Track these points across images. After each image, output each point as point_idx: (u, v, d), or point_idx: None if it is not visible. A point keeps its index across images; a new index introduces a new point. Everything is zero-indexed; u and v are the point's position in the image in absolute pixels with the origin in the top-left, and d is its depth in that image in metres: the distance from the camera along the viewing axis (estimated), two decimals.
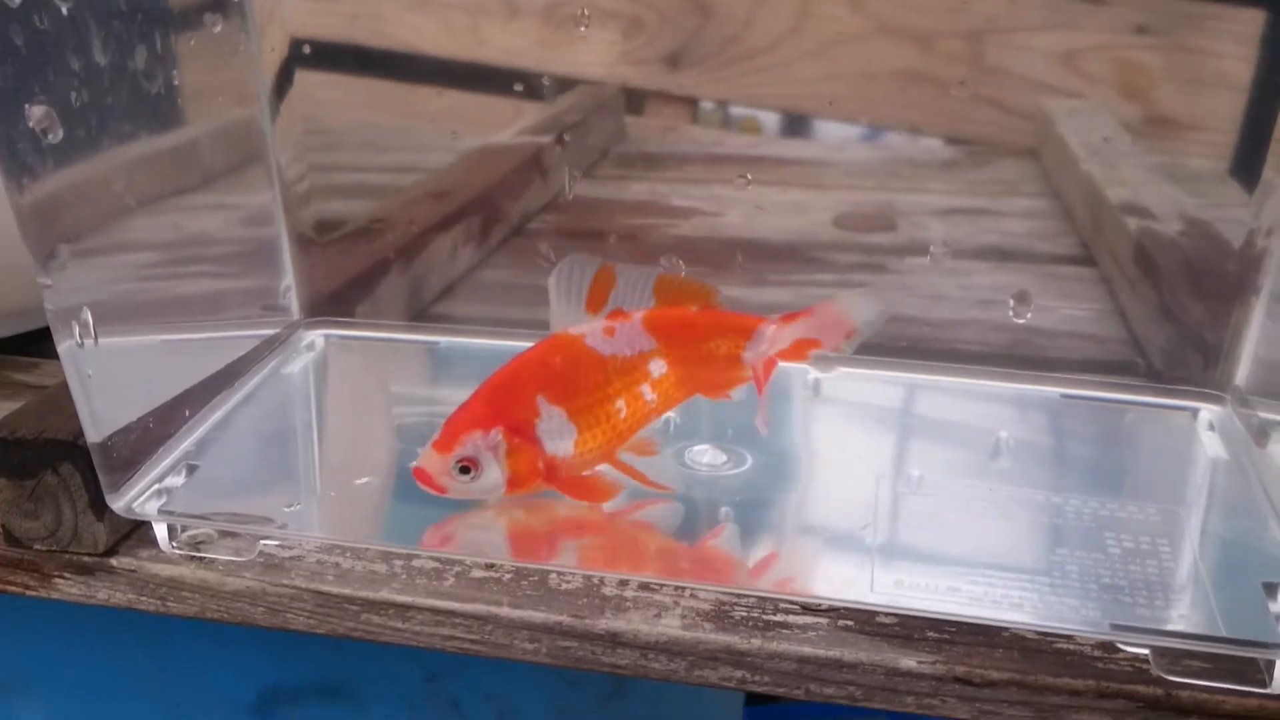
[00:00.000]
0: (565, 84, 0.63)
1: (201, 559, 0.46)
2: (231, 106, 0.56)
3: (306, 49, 0.58)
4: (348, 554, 0.47)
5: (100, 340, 0.44)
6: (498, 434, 0.45)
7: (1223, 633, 0.40)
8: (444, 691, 0.71)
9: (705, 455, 0.52)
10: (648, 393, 0.48)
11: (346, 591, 0.45)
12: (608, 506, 0.48)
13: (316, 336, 0.62)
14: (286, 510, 0.48)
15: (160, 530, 0.46)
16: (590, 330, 0.48)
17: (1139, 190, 0.61)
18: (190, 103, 0.51)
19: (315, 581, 0.45)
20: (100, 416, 0.44)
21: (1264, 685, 0.40)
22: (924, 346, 0.61)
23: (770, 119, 0.66)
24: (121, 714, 0.70)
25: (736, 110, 0.65)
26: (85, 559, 0.47)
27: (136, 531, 0.48)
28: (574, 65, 0.63)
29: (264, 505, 0.48)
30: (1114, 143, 0.61)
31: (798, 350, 0.50)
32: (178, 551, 0.47)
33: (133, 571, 0.46)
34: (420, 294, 0.66)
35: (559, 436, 0.47)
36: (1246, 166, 0.55)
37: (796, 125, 0.66)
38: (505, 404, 0.46)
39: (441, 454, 0.45)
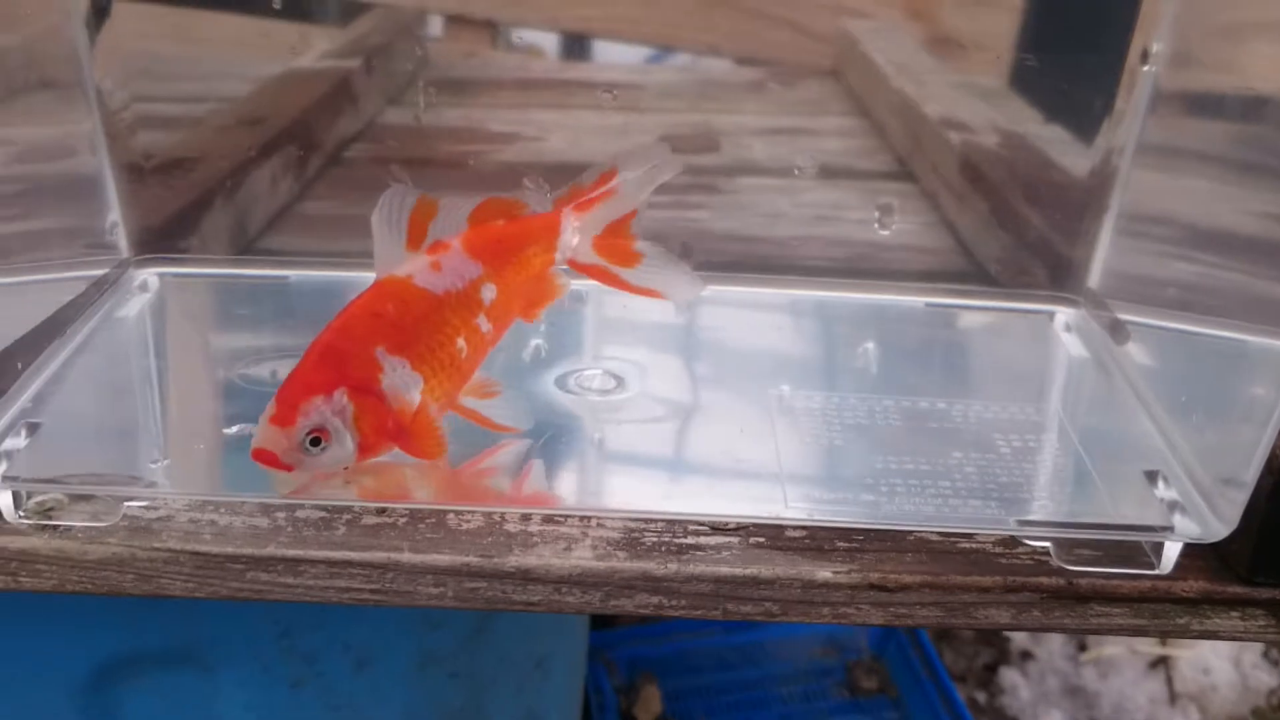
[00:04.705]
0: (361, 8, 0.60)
1: (55, 527, 0.42)
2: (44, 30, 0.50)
3: None
4: (222, 509, 0.43)
5: None
6: (342, 396, 0.41)
7: (1116, 521, 0.42)
8: (299, 646, 0.68)
9: (595, 380, 0.50)
10: (484, 324, 0.45)
11: (229, 550, 0.42)
12: (452, 461, 0.45)
13: (149, 275, 0.56)
14: (153, 466, 0.43)
15: (4, 499, 0.41)
16: (416, 269, 0.43)
17: (955, 107, 0.63)
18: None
19: (191, 542, 0.42)
20: None
21: (1152, 568, 0.42)
22: (770, 263, 0.62)
23: (573, 43, 0.65)
24: None
25: (521, 38, 0.63)
26: None
27: None
28: None
29: (125, 463, 0.43)
30: (919, 61, 0.63)
31: (619, 233, 0.47)
32: (26, 521, 0.42)
33: None
34: (245, 227, 0.62)
35: (405, 390, 0.42)
36: (1026, 83, 0.58)
37: (600, 50, 0.65)
38: (342, 362, 0.42)
39: (284, 428, 0.40)
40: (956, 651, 1.21)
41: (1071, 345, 0.55)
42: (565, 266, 0.47)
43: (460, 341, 0.44)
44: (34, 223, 0.49)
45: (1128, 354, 0.51)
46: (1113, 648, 1.18)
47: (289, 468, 0.40)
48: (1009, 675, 1.18)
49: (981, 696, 1.17)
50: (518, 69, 0.64)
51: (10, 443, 0.43)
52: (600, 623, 1.11)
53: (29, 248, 0.49)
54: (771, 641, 1.11)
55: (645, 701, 1.05)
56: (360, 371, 0.41)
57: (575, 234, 0.47)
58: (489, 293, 0.45)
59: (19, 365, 0.45)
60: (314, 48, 0.61)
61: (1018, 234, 0.60)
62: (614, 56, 0.65)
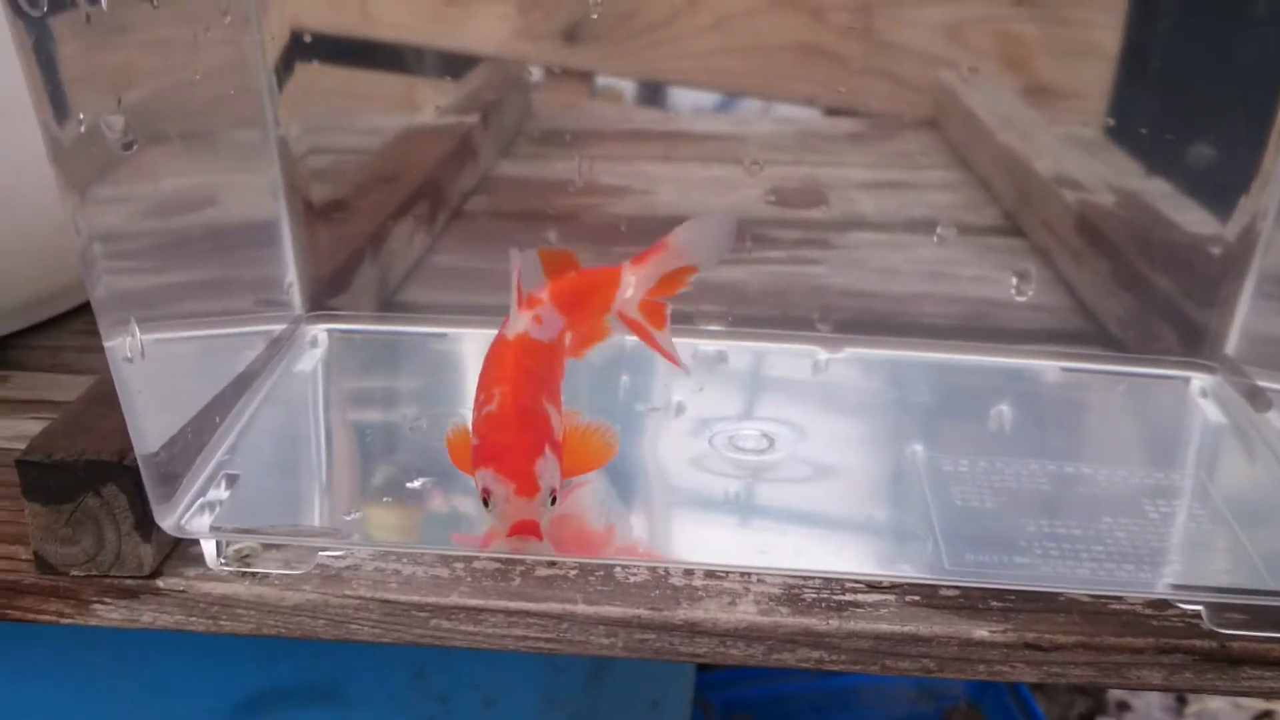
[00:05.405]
0: (467, 61, 0.62)
1: (254, 574, 0.45)
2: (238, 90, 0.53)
3: (307, 38, 0.56)
4: (405, 559, 0.46)
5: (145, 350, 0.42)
6: (550, 452, 0.44)
7: (1269, 585, 0.43)
8: (431, 686, 0.70)
9: (749, 440, 0.53)
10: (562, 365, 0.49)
11: (414, 599, 0.44)
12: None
13: (319, 331, 0.59)
14: (347, 519, 0.46)
15: (208, 547, 0.44)
16: (528, 325, 0.47)
17: (1070, 164, 0.64)
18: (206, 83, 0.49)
19: (380, 590, 0.44)
20: (149, 432, 0.42)
21: None
22: (887, 321, 0.63)
23: (675, 95, 0.66)
24: None
25: (601, 81, 0.65)
26: (129, 582, 0.44)
27: (176, 550, 0.46)
28: (471, 42, 0.62)
29: (319, 514, 0.46)
30: (1024, 114, 0.64)
31: (675, 281, 0.52)
32: (226, 568, 0.45)
33: (181, 592, 0.44)
34: (388, 282, 0.65)
35: (559, 432, 0.46)
36: (1123, 133, 0.59)
37: (700, 100, 0.67)
38: (535, 421, 0.45)
39: (532, 498, 0.42)
40: (1052, 700, 1.21)
41: (1210, 412, 0.56)
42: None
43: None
44: (228, 276, 0.53)
45: (1268, 421, 0.52)
46: (1216, 701, 1.17)
47: (539, 532, 0.42)
48: None
49: None
50: (619, 120, 0.67)
51: (214, 493, 0.46)
52: (699, 664, 1.13)
53: (226, 304, 0.52)
54: (867, 687, 1.12)
55: None
56: (546, 426, 0.45)
57: (629, 289, 0.51)
58: (568, 338, 0.50)
59: (216, 419, 0.48)
60: (439, 104, 0.64)
61: (1144, 297, 0.61)
62: (706, 105, 0.66)
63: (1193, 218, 0.58)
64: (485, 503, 0.43)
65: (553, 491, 0.43)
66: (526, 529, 0.42)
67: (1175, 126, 0.57)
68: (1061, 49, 0.62)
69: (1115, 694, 1.20)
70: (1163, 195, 0.59)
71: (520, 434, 0.44)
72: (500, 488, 0.42)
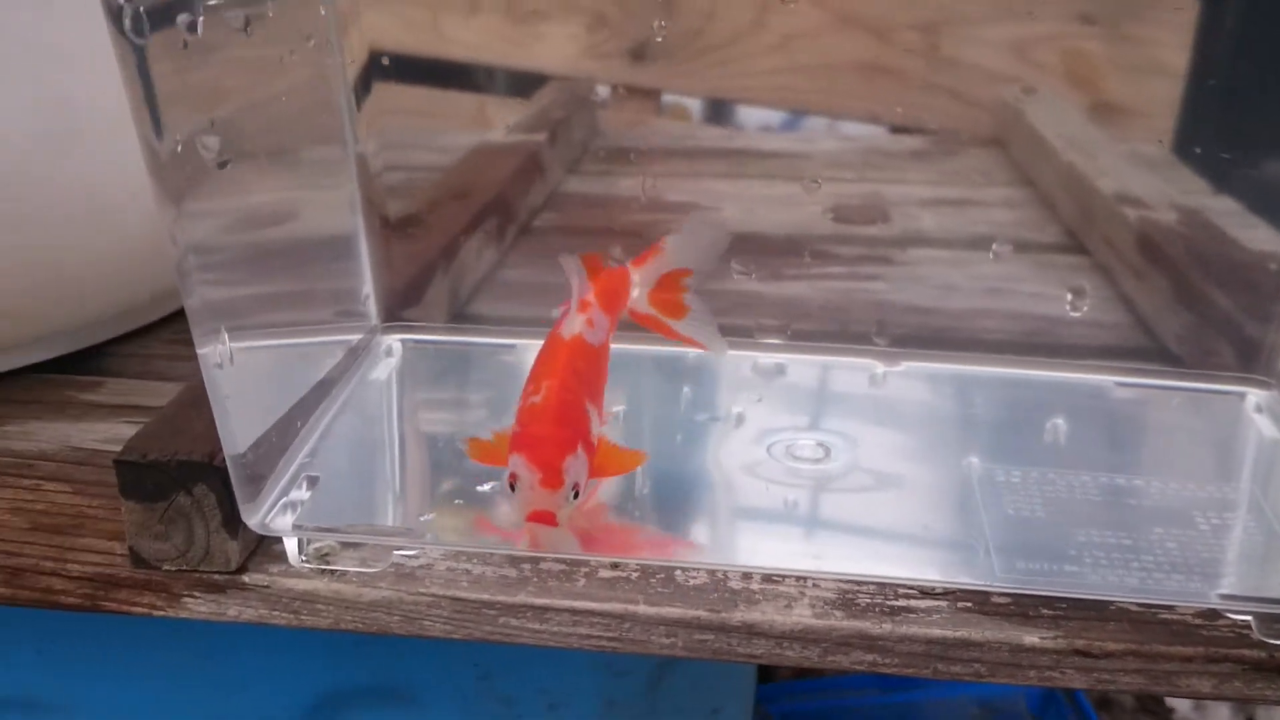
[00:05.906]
0: (536, 80, 0.64)
1: (333, 571, 0.47)
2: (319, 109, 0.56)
3: (385, 59, 0.58)
4: (474, 559, 0.48)
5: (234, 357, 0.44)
6: (580, 450, 0.46)
7: None
8: (496, 689, 0.72)
9: (806, 449, 0.54)
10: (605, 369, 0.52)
11: (484, 596, 0.46)
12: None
13: (393, 341, 0.62)
14: (422, 520, 0.48)
15: (290, 545, 0.47)
16: (580, 327, 0.50)
17: (1131, 181, 0.64)
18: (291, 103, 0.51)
19: (451, 588, 0.46)
20: (237, 434, 0.44)
21: None
22: (947, 337, 0.64)
23: (740, 113, 0.68)
24: None
25: (667, 98, 0.66)
26: (217, 577, 0.47)
27: (260, 547, 0.48)
28: (540, 61, 0.64)
29: (395, 515, 0.48)
30: (1088, 133, 0.65)
31: (673, 282, 0.54)
32: (307, 565, 0.47)
33: (265, 587, 0.47)
34: (459, 295, 0.67)
35: (596, 432, 0.48)
36: (1191, 150, 0.59)
37: (765, 118, 0.68)
38: (572, 419, 0.47)
39: (554, 491, 0.45)
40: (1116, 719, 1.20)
41: (1264, 427, 0.56)
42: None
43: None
44: (310, 287, 0.55)
45: None
46: None
47: (556, 522, 0.45)
48: None
49: None
50: (685, 137, 0.68)
51: (295, 494, 0.49)
52: (759, 675, 1.14)
53: (308, 314, 0.55)
54: (928, 702, 1.12)
55: None
56: (584, 425, 0.47)
57: (636, 288, 0.54)
58: (610, 339, 0.52)
59: (298, 424, 0.51)
60: (509, 122, 0.66)
61: (1202, 313, 0.61)
62: (771, 123, 0.68)
63: (1250, 234, 0.59)
64: (511, 486, 0.45)
65: (575, 487, 0.45)
66: (541, 518, 0.44)
67: (1234, 143, 0.58)
68: (1128, 67, 0.62)
69: (1182, 714, 1.19)
70: (1221, 211, 0.60)
71: (557, 428, 0.46)
72: (527, 475, 0.45)
